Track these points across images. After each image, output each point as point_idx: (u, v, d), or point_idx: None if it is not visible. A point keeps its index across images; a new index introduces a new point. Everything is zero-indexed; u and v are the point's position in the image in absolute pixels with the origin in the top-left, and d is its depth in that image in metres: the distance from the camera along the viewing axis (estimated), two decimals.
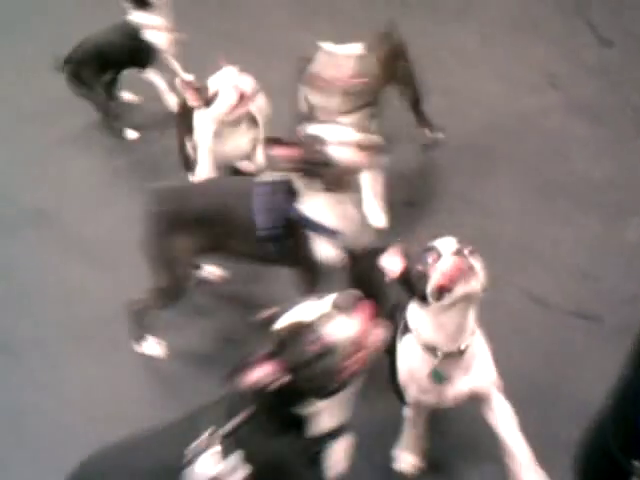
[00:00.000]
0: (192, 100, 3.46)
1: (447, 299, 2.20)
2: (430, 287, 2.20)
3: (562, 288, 3.35)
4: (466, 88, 4.41)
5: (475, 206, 3.76)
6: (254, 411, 2.00)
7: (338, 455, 2.10)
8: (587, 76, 4.59)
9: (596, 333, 3.13)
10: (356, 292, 1.97)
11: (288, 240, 2.83)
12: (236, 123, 3.54)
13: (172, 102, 4.50)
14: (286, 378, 1.92)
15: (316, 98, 3.44)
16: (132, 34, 4.38)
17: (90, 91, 4.45)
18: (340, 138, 2.68)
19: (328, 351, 1.90)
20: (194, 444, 2.02)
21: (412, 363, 2.41)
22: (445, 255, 2.20)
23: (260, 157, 3.67)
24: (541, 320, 3.21)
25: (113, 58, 4.41)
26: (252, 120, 3.62)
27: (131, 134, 4.51)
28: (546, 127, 4.25)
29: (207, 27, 5.27)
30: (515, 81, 4.62)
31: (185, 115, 3.64)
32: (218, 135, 3.55)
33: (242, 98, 3.44)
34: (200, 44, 4.73)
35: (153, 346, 3.27)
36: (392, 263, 2.30)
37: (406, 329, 2.41)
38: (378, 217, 3.64)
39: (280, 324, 1.96)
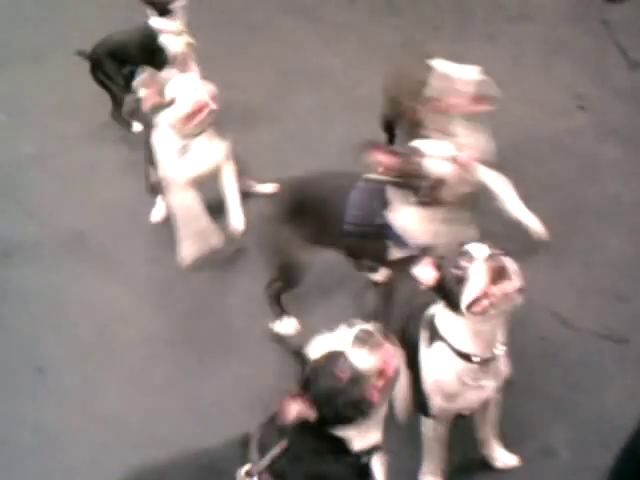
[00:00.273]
0: (148, 99, 3.48)
1: (488, 312, 2.20)
2: (467, 300, 2.22)
3: (592, 310, 3.34)
4: (495, 110, 4.41)
5: None
6: (292, 441, 2.08)
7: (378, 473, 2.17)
8: (616, 98, 4.59)
9: (626, 356, 3.12)
10: (376, 325, 2.08)
11: (371, 241, 2.88)
12: (196, 133, 3.48)
13: None
14: (314, 413, 2.03)
15: (432, 121, 3.35)
16: (150, 36, 4.56)
17: (110, 81, 4.67)
18: (440, 152, 2.69)
19: (354, 382, 2.01)
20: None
21: (442, 371, 2.41)
22: (478, 259, 2.20)
23: (228, 176, 3.65)
24: (571, 342, 3.20)
25: (131, 55, 4.60)
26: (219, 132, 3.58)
27: (137, 127, 4.65)
28: (576, 149, 4.25)
29: (237, 50, 5.36)
30: (544, 103, 4.62)
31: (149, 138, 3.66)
32: (183, 152, 3.49)
33: (199, 107, 3.38)
34: (230, 66, 4.81)
35: (286, 324, 3.34)
36: (425, 272, 2.31)
37: (433, 338, 2.41)
38: None
39: (310, 356, 2.07)
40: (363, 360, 2.02)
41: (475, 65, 3.31)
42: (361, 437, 2.10)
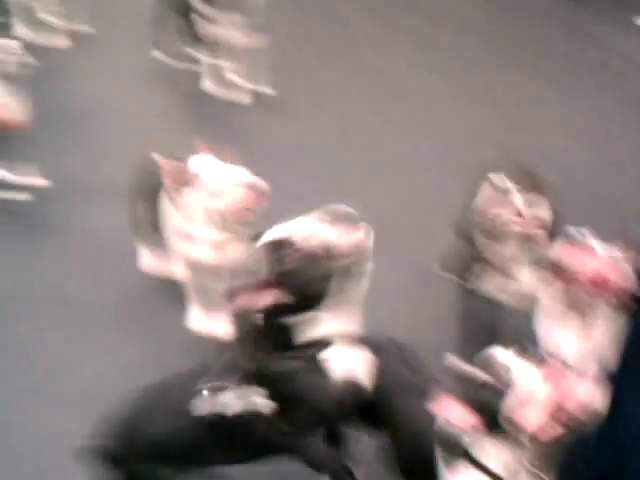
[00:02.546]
0: (171, 178, 3.18)
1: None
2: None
3: None
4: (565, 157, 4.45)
5: None
6: (246, 337, 2.19)
7: (347, 364, 2.22)
8: None
9: None
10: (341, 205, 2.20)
11: None
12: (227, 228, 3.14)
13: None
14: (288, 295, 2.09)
15: (485, 240, 3.06)
16: None
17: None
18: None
19: (307, 259, 2.11)
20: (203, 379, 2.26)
21: None
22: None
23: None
24: None
25: None
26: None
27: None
28: None
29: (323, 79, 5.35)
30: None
31: (154, 183, 3.32)
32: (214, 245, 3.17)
33: (243, 207, 3.01)
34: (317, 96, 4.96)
35: None
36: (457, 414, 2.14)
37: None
38: None
39: (269, 236, 2.21)
40: (332, 234, 2.20)
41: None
42: (308, 327, 2.15)
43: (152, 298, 3.51)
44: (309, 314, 2.12)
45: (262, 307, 2.10)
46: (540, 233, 2.93)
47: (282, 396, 2.16)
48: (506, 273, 2.99)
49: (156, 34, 4.93)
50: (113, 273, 3.61)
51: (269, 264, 2.12)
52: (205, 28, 4.59)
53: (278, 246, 2.11)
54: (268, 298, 2.08)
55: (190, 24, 4.65)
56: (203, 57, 4.76)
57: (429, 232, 3.78)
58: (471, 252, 3.07)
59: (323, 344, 2.18)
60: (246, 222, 3.05)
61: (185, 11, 4.63)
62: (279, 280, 2.08)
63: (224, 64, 4.74)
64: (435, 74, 5.22)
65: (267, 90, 4.87)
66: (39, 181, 4.02)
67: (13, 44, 3.75)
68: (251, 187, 2.97)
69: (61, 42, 5.18)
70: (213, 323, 3.28)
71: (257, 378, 2.17)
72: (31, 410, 3.00)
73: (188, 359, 3.09)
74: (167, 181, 3.17)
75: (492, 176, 2.93)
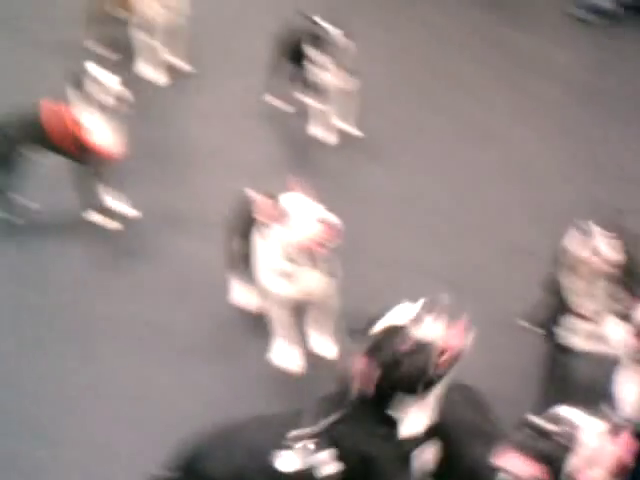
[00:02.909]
0: (263, 214, 3.26)
1: None
2: None
3: None
4: None
5: None
6: (350, 411, 2.19)
7: (427, 457, 2.24)
8: None
9: None
10: (444, 296, 2.17)
11: None
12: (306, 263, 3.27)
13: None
14: (378, 374, 2.12)
15: (572, 289, 3.02)
16: None
17: None
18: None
19: (417, 350, 2.10)
20: (291, 434, 2.23)
21: None
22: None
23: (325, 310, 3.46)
24: None
25: None
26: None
27: None
28: None
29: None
30: None
31: (248, 219, 3.44)
32: (286, 275, 3.30)
33: (321, 241, 3.15)
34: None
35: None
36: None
37: None
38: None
39: (375, 328, 2.18)
40: (428, 329, 2.12)
41: None
42: (411, 421, 2.16)
43: (239, 331, 3.64)
44: (406, 405, 2.17)
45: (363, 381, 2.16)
46: (627, 282, 2.92)
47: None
48: (593, 326, 2.96)
49: (269, 79, 5.12)
50: (202, 303, 3.76)
51: (378, 349, 2.16)
52: (316, 75, 4.76)
53: (389, 333, 2.15)
54: (358, 370, 2.15)
55: (302, 70, 4.83)
56: (311, 102, 4.91)
57: (512, 280, 3.82)
58: (557, 303, 3.04)
59: (418, 440, 2.22)
60: (321, 257, 3.23)
61: (298, 58, 4.81)
62: (382, 364, 2.14)
63: (326, 108, 4.89)
64: (527, 121, 5.22)
65: (357, 132, 4.99)
66: (131, 211, 4.26)
67: (113, 78, 3.97)
68: (326, 224, 3.11)
69: (164, 79, 5.47)
70: (295, 358, 3.41)
71: (345, 451, 2.19)
72: (107, 431, 3.15)
73: (271, 396, 3.27)
74: (259, 217, 3.28)
75: (580, 223, 2.91)
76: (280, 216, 3.18)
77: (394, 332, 2.14)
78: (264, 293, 3.40)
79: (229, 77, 5.57)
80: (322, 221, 3.12)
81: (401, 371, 2.11)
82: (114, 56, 5.21)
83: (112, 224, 4.21)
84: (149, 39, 5.44)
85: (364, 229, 4.27)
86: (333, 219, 3.13)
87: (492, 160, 4.81)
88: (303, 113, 5.09)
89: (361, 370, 2.14)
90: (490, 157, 4.84)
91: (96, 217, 4.20)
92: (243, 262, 3.54)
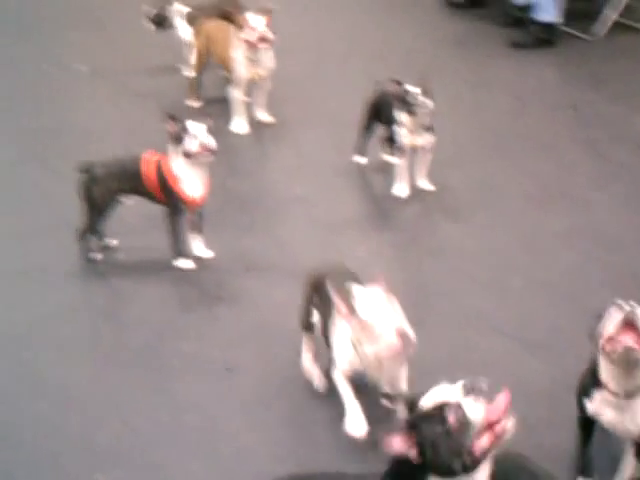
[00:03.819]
0: (340, 300, 3.20)
1: None
2: None
3: None
4: None
5: None
6: None
7: None
8: None
9: None
10: (483, 379, 2.16)
11: None
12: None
13: None
14: (415, 452, 2.12)
15: (608, 367, 2.90)
16: None
17: None
18: None
19: (460, 429, 2.09)
20: None
21: None
22: None
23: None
24: None
25: None
26: None
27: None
28: None
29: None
30: None
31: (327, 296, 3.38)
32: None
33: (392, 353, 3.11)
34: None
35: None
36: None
37: None
38: None
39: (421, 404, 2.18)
40: (471, 409, 2.10)
41: None
42: None
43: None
44: None
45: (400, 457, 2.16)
46: None
47: None
48: (625, 405, 2.89)
49: (359, 140, 5.31)
50: (280, 350, 3.88)
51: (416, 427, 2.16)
52: (404, 137, 4.91)
53: (428, 412, 2.15)
54: (398, 447, 2.15)
55: (391, 133, 4.99)
56: (396, 161, 5.06)
57: (583, 343, 3.82)
58: (593, 377, 2.97)
59: None
60: (394, 363, 3.21)
61: (389, 121, 4.96)
62: (420, 443, 2.13)
63: (405, 163, 5.03)
64: (606, 186, 5.22)
65: (431, 187, 5.11)
66: (211, 255, 4.50)
67: (201, 126, 4.20)
68: (402, 336, 3.06)
69: (253, 131, 5.79)
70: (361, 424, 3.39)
71: None
72: (177, 468, 3.29)
73: (341, 454, 3.31)
74: (336, 302, 3.25)
75: (621, 302, 2.79)
76: (356, 318, 3.15)
77: (433, 411, 2.13)
78: (338, 371, 3.40)
79: (317, 133, 5.80)
80: (399, 333, 3.06)
81: (438, 452, 2.10)
82: (207, 112, 5.45)
83: (194, 267, 4.43)
84: (243, 96, 5.76)
85: (436, 282, 4.40)
86: (410, 331, 3.09)
87: (569, 222, 4.84)
88: (385, 170, 5.26)
89: (398, 447, 2.15)
90: (567, 219, 4.87)
91: (181, 261, 4.42)
92: (315, 329, 3.64)
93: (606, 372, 2.87)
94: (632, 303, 2.78)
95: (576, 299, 4.18)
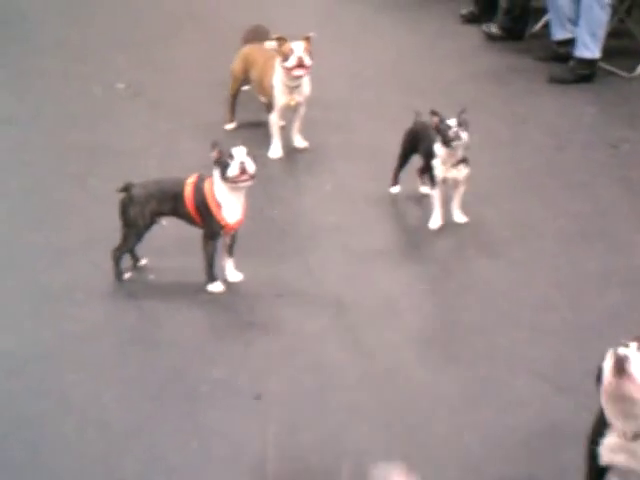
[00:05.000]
0: None
1: None
2: None
3: None
4: None
5: None
6: None
7: None
8: None
9: None
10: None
11: None
12: None
13: None
14: None
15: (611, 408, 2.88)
16: None
17: None
18: None
19: None
20: None
21: None
22: None
23: None
24: None
25: None
26: None
27: None
28: None
29: None
30: None
31: None
32: None
33: None
34: None
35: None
36: None
37: None
38: None
39: None
40: None
41: None
42: None
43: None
44: None
45: None
46: None
47: None
48: (633, 448, 2.87)
49: (395, 170, 5.30)
50: (309, 379, 3.85)
51: None
52: (442, 171, 4.88)
53: None
54: None
55: (431, 167, 4.94)
56: (433, 193, 5.03)
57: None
58: (602, 423, 2.94)
59: None
60: None
61: (429, 156, 4.93)
62: None
63: (438, 194, 5.01)
64: None
65: (465, 220, 5.07)
66: (239, 276, 4.50)
67: (241, 151, 4.21)
68: None
69: (279, 154, 5.83)
70: None
71: None
72: None
73: None
74: None
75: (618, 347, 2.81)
76: None
77: None
78: None
79: (353, 162, 5.79)
80: None
81: None
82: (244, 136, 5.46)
83: (226, 291, 4.42)
84: (281, 122, 5.81)
85: (467, 318, 4.33)
86: None
87: (606, 263, 4.75)
88: (420, 202, 5.25)
89: None
90: (604, 260, 4.78)
91: (215, 286, 4.41)
92: None
93: (609, 412, 2.88)
94: (630, 344, 2.83)
95: (611, 342, 4.10)
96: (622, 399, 2.79)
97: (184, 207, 4.30)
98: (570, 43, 7.06)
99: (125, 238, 4.41)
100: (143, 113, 6.48)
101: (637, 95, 6.93)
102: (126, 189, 4.32)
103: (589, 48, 6.89)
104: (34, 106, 6.65)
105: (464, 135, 4.74)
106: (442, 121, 4.76)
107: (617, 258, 4.83)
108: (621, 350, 2.78)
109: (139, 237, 4.42)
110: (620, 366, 2.74)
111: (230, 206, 4.27)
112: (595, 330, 4.24)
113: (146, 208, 4.32)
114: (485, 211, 5.20)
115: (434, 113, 4.81)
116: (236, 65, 5.96)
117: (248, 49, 5.97)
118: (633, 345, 2.81)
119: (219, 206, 4.25)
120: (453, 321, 4.37)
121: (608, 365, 2.79)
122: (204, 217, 4.29)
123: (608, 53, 7.10)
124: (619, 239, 5.02)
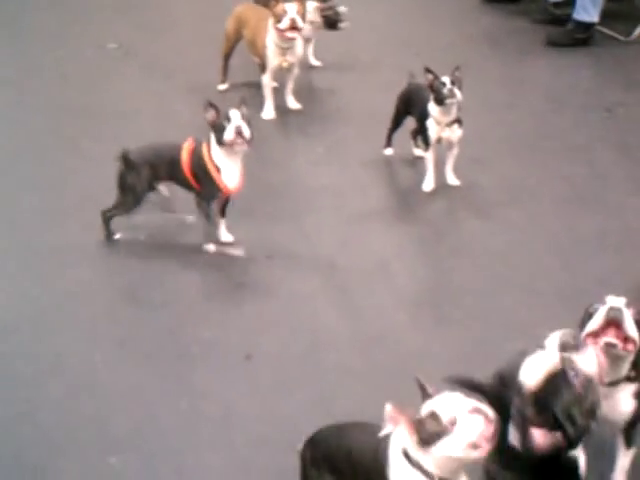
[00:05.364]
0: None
1: None
2: None
3: None
4: None
5: None
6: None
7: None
8: None
9: None
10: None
11: None
12: None
13: None
14: (559, 435, 2.03)
15: None
16: None
17: None
18: None
19: (587, 389, 2.04)
20: None
21: None
22: None
23: None
24: None
25: None
26: None
27: None
28: None
29: None
30: None
31: None
32: None
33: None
34: None
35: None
36: None
37: None
38: None
39: (528, 382, 2.10)
40: (584, 365, 2.06)
41: None
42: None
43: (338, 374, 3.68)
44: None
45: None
46: None
47: None
48: (608, 394, 2.76)
49: (389, 132, 5.26)
50: (299, 339, 3.86)
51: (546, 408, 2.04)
52: (436, 131, 4.85)
53: (551, 381, 2.03)
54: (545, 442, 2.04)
55: (424, 129, 4.91)
56: (426, 155, 5.00)
57: None
58: None
59: None
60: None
61: (423, 117, 4.90)
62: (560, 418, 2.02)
63: (432, 156, 4.98)
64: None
65: (457, 182, 5.05)
66: (229, 237, 4.48)
67: (236, 113, 4.16)
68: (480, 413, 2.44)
69: (272, 115, 5.80)
70: None
71: None
72: (192, 455, 3.26)
73: None
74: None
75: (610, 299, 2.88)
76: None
77: (550, 384, 2.03)
78: None
79: (347, 124, 5.76)
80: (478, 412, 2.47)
81: (575, 422, 2.00)
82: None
83: (230, 252, 4.44)
84: (274, 83, 5.78)
85: (459, 279, 4.34)
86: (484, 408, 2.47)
87: (600, 226, 4.74)
88: (414, 164, 5.23)
89: (544, 439, 2.04)
90: (598, 223, 4.76)
91: (212, 247, 4.41)
92: None
93: None
94: (622, 299, 2.85)
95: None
96: (606, 353, 2.74)
97: (181, 172, 4.27)
98: (566, 4, 7.00)
99: (122, 203, 4.38)
100: (136, 74, 6.43)
101: (633, 59, 6.88)
102: (123, 157, 4.29)
103: (588, 12, 6.82)
104: (28, 66, 6.61)
105: (458, 93, 4.72)
106: (436, 78, 4.73)
107: (612, 221, 4.81)
108: (615, 302, 2.82)
109: (137, 202, 4.39)
110: (613, 320, 2.75)
111: (229, 170, 4.24)
112: (589, 292, 4.20)
113: (142, 174, 4.29)
114: (479, 174, 5.19)
115: (428, 71, 4.76)
116: (229, 25, 5.89)
117: (241, 8, 5.90)
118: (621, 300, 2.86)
119: (218, 170, 4.22)
120: (445, 283, 4.36)
121: (597, 319, 2.80)
122: (202, 182, 4.26)
123: (606, 17, 7.03)
124: (614, 202, 5.00)
